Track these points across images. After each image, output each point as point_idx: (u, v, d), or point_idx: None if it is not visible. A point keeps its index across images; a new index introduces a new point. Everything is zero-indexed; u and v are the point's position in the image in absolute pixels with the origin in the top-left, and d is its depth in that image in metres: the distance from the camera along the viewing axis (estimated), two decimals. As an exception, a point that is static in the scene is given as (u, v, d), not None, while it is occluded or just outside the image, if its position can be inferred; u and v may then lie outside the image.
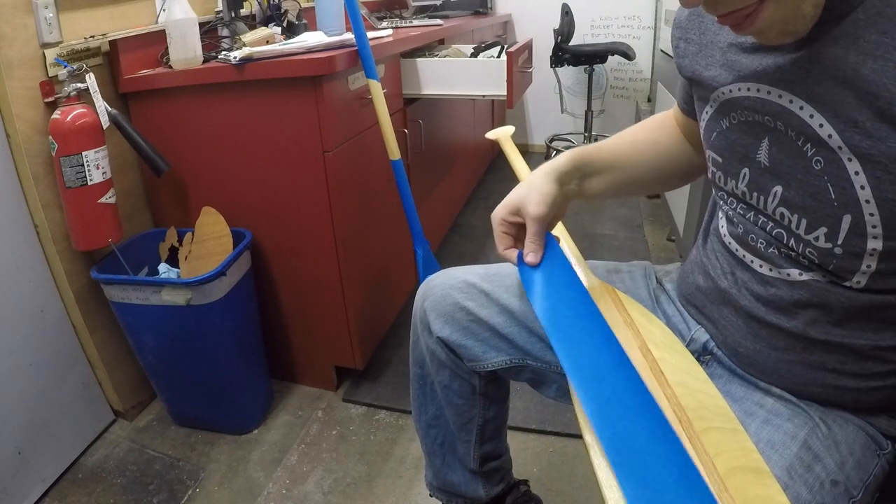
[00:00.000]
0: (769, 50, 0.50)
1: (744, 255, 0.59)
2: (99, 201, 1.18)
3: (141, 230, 1.41)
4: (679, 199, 2.05)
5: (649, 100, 3.19)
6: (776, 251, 0.55)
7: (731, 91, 0.56)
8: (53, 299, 1.25)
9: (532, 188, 0.67)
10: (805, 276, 0.53)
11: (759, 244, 0.57)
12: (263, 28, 1.49)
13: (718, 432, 0.51)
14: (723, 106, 0.58)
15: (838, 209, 0.48)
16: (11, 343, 1.16)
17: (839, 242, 0.49)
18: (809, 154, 0.49)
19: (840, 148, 0.46)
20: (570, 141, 3.46)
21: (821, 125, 0.47)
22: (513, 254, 0.69)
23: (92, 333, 1.31)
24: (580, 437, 0.54)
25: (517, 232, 0.70)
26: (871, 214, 0.46)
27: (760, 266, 0.57)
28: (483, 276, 0.80)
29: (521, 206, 0.67)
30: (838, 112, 0.46)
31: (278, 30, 1.52)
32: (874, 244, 0.47)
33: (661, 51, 2.70)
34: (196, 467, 1.30)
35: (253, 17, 1.65)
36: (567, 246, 0.78)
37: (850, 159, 0.46)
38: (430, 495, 1.00)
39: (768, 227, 0.56)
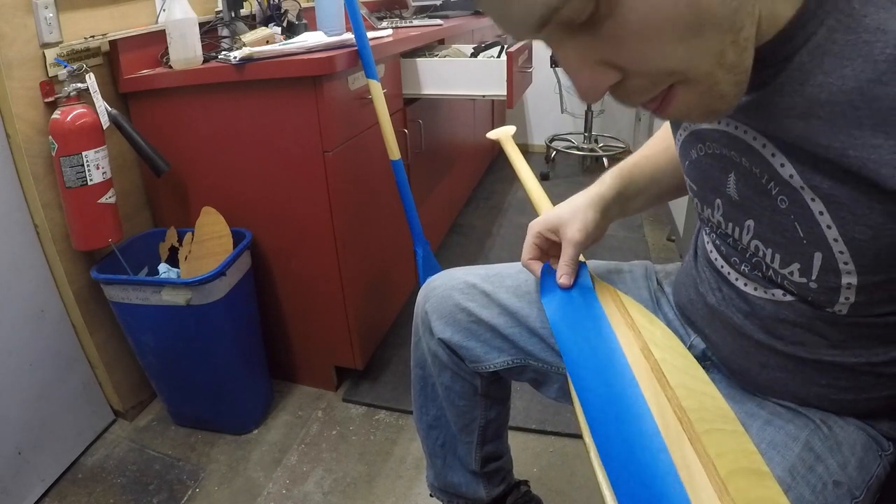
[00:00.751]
0: None
1: (728, 273, 0.58)
2: (99, 201, 1.18)
3: (141, 230, 1.41)
4: (679, 199, 2.04)
5: (649, 100, 3.18)
6: (759, 274, 0.55)
7: (696, 124, 0.54)
8: (53, 299, 1.25)
9: (576, 213, 0.70)
10: (790, 298, 0.53)
11: (742, 266, 0.56)
12: (263, 28, 1.48)
13: (720, 434, 0.51)
14: (692, 135, 0.56)
15: (808, 247, 0.47)
16: (11, 343, 1.16)
17: (813, 278, 0.48)
18: (774, 192, 0.47)
19: (802, 188, 0.45)
20: (570, 140, 3.46)
21: (782, 164, 0.45)
22: (537, 266, 0.73)
23: (92, 333, 1.31)
24: (580, 437, 0.54)
25: (548, 247, 0.74)
26: (841, 252, 0.45)
27: (745, 285, 0.56)
28: (484, 276, 0.80)
29: (561, 227, 0.70)
30: (797, 153, 0.44)
31: (278, 30, 1.52)
32: (849, 279, 0.46)
33: (661, 51, 2.70)
34: (196, 467, 1.30)
35: (253, 17, 1.65)
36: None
37: (813, 199, 0.44)
38: (431, 496, 1.00)
39: (747, 255, 0.55)
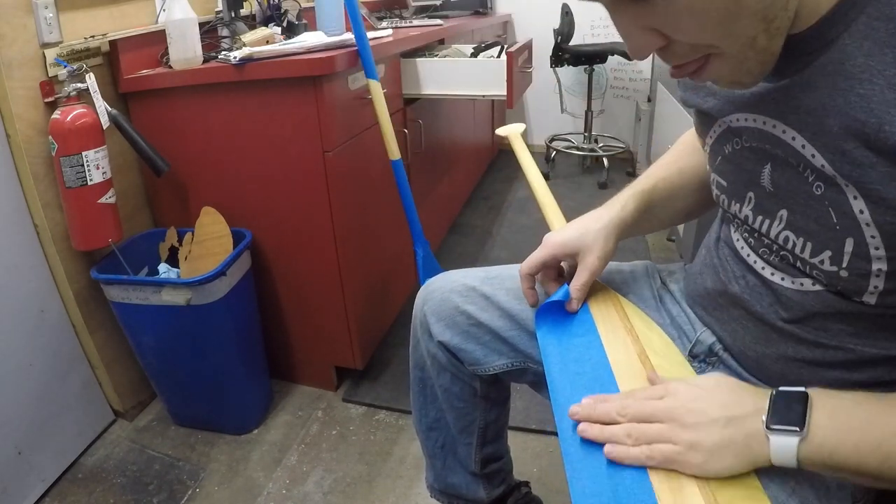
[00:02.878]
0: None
1: (755, 262, 0.59)
2: (99, 201, 1.18)
3: (141, 230, 1.41)
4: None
5: (649, 100, 3.18)
6: (788, 265, 0.55)
7: (730, 121, 0.56)
8: (53, 299, 1.25)
9: (598, 239, 0.69)
10: (818, 287, 0.53)
11: (771, 257, 0.57)
12: (263, 28, 1.48)
13: None
14: (725, 133, 0.58)
15: (840, 232, 0.48)
16: (11, 343, 1.16)
17: (844, 265, 0.49)
18: (811, 180, 0.49)
19: (834, 175, 0.46)
20: (570, 140, 3.46)
21: (813, 155, 0.48)
22: (530, 284, 0.72)
23: (92, 333, 1.31)
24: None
25: (554, 264, 0.73)
26: (873, 237, 0.46)
27: (772, 275, 0.57)
28: (483, 279, 0.80)
29: (581, 252, 0.69)
30: (827, 142, 0.46)
31: (278, 30, 1.52)
32: (879, 265, 0.47)
33: (661, 51, 2.70)
34: (196, 467, 1.30)
35: (253, 17, 1.65)
36: None
37: (846, 185, 0.46)
38: (431, 497, 1.00)
39: (774, 248, 0.56)
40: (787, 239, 0.53)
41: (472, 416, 0.87)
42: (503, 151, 3.56)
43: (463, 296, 0.78)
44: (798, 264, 0.53)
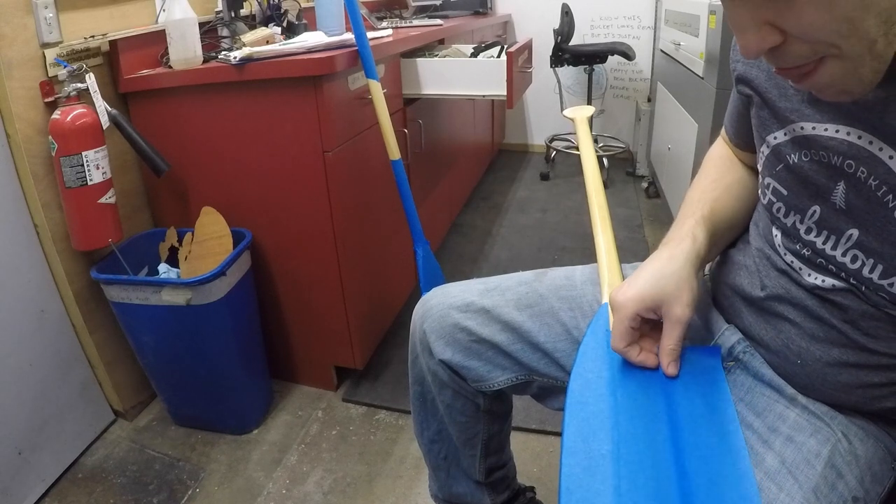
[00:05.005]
0: None
1: (800, 268, 0.56)
2: (99, 201, 1.18)
3: (141, 230, 1.41)
4: (679, 199, 2.04)
5: (649, 100, 3.18)
6: (846, 283, 0.53)
7: (813, 128, 0.51)
8: (53, 299, 1.25)
9: (681, 282, 0.57)
10: (869, 305, 0.51)
11: (827, 269, 0.54)
12: (263, 28, 1.48)
13: None
14: (798, 140, 0.53)
15: None
16: (11, 343, 1.16)
17: None
18: (892, 205, 0.47)
19: None
20: (570, 140, 3.46)
21: None
22: (635, 352, 0.59)
23: (92, 333, 1.31)
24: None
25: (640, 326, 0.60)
26: None
27: (822, 281, 0.54)
28: (482, 291, 0.77)
29: (664, 303, 0.57)
30: None
31: (278, 30, 1.52)
32: None
33: (661, 51, 2.70)
34: (196, 467, 1.30)
35: (253, 17, 1.65)
36: None
37: None
38: None
39: (834, 265, 0.53)
40: (854, 258, 0.51)
41: (475, 430, 0.86)
42: (503, 151, 3.56)
43: (462, 312, 0.75)
44: (862, 285, 0.51)
